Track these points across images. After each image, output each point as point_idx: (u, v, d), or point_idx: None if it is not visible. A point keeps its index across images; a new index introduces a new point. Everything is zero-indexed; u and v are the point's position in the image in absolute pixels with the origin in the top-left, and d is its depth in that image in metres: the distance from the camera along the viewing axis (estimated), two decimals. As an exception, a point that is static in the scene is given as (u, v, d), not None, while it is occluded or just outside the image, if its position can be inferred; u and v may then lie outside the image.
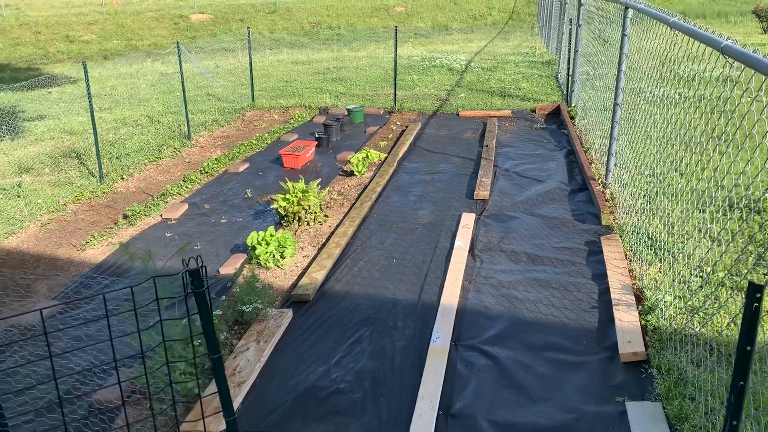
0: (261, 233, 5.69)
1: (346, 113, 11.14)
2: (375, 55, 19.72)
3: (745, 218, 5.52)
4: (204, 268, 2.42)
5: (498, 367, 3.99)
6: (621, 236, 5.50)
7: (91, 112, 7.67)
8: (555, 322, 4.43)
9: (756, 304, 1.71)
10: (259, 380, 4.02)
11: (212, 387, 3.89)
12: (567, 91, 10.94)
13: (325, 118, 11.22)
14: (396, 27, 11.59)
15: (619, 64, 6.17)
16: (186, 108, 9.65)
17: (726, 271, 4.64)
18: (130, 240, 6.25)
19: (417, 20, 37.83)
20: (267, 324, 4.56)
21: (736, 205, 5.78)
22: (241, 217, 6.81)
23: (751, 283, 1.70)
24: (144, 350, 3.85)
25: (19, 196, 7.27)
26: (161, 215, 6.81)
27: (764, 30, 19.62)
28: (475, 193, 6.85)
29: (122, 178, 8.00)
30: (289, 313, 4.70)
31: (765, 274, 4.60)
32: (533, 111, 11.08)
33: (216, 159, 8.65)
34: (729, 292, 4.37)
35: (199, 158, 8.99)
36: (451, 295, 4.77)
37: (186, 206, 7.05)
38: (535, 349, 4.14)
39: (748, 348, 1.75)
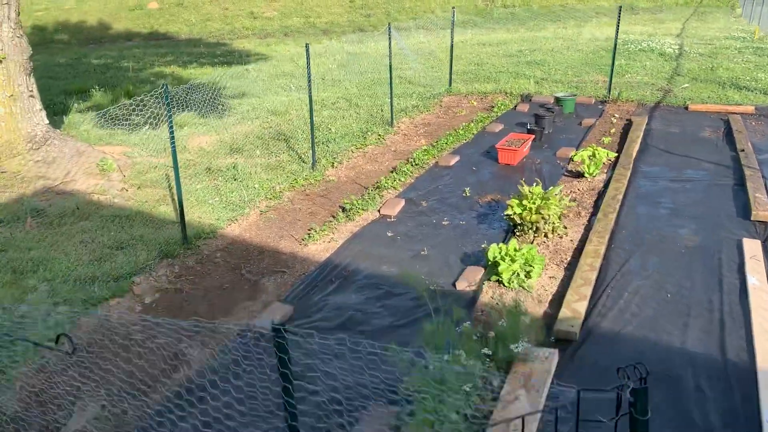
0: (503, 247, 4.97)
1: (553, 101, 10.11)
2: (566, 36, 18.27)
3: None
4: (647, 390, 1.68)
5: None
6: None
7: (310, 99, 7.41)
8: None
9: None
10: (538, 444, 3.32)
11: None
12: (832, 85, 9.07)
13: (529, 106, 10.29)
14: (620, 7, 10.27)
15: None
16: (391, 93, 9.19)
17: None
18: (351, 237, 5.82)
19: (598, -2, 35.27)
20: (533, 366, 3.83)
21: None
22: (464, 219, 6.15)
23: None
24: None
25: (235, 179, 7.16)
26: (379, 210, 6.34)
27: None
28: (753, 213, 5.63)
29: (332, 166, 7.67)
30: (554, 355, 3.94)
31: None
32: (785, 107, 9.35)
33: (424, 150, 8.08)
34: None
35: (404, 147, 8.48)
36: (769, 356, 3.75)
37: (402, 202, 6.53)
38: None
39: None
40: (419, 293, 4.76)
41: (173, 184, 5.75)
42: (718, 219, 5.71)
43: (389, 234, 5.89)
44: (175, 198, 5.78)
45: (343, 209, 6.41)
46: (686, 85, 10.96)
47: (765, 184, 6.33)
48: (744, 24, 22.23)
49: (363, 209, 6.37)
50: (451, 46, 11.26)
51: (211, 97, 9.80)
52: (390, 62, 9.16)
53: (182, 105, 9.20)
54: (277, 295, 4.96)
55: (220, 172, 7.37)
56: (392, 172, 7.45)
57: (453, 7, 12.18)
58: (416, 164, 7.64)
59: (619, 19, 10.16)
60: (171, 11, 30.97)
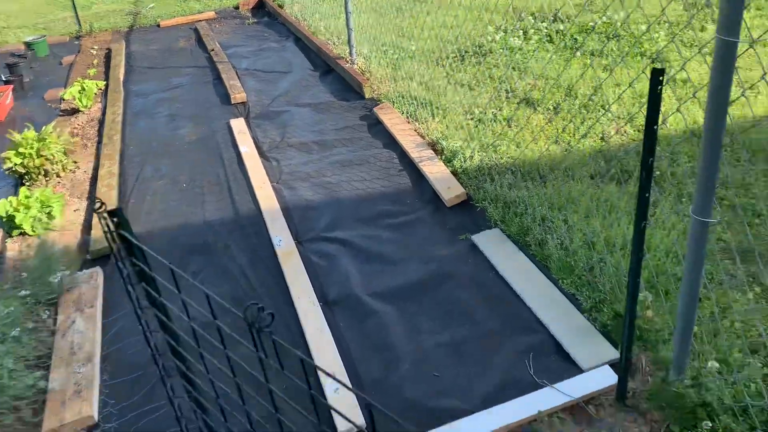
0: (12, 199, 4.70)
1: (25, 47, 9.38)
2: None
3: (481, 62, 6.26)
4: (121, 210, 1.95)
5: (349, 247, 4.06)
6: (393, 103, 5.81)
7: None
8: (375, 194, 4.62)
9: (659, 86, 2.03)
10: (109, 352, 3.50)
11: (56, 382, 3.28)
12: (265, -18, 10.66)
13: (-2, 58, 9.32)
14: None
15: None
16: None
17: (492, 110, 5.28)
18: None
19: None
20: (81, 290, 3.92)
21: (467, 53, 6.50)
22: (-39, 192, 5.50)
23: (654, 69, 2.00)
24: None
25: None
26: None
27: None
28: (232, 97, 6.50)
29: None
30: (98, 272, 4.09)
31: (517, 103, 5.36)
32: (237, 8, 10.66)
33: None
34: (502, 125, 5.01)
35: None
36: (268, 198, 4.62)
37: None
38: (372, 222, 4.29)
39: (654, 127, 2.09)
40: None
41: None
42: (208, 111, 6.44)
43: None
44: None
45: None
46: (152, 5, 11.40)
47: (237, 74, 7.31)
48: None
49: None
50: None
51: None
52: None
53: None
54: None
55: None
56: None
57: None
58: None
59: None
60: None
